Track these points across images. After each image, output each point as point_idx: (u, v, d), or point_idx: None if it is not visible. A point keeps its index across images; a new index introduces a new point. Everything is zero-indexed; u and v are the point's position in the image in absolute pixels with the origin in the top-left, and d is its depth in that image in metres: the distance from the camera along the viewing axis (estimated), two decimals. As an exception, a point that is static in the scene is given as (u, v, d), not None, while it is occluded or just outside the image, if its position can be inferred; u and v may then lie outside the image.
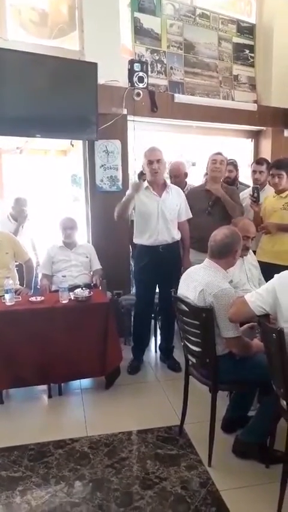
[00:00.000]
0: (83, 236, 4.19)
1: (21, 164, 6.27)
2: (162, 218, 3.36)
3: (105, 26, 3.96)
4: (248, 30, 5.15)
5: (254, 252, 3.36)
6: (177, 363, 3.52)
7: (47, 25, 4.01)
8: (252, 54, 5.20)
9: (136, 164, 4.27)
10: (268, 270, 2.79)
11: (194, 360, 2.47)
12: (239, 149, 5.37)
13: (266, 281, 2.19)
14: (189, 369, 2.57)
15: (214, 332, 2.23)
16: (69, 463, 2.39)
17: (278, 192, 3.48)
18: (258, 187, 3.63)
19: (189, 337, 2.40)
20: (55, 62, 3.59)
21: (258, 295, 2.05)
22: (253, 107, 4.97)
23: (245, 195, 3.87)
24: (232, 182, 4.22)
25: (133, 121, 4.19)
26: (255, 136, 5.30)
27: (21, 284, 3.68)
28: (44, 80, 3.52)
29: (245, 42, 5.15)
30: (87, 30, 3.95)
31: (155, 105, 4.27)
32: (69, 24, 4.06)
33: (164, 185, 3.44)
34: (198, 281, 2.30)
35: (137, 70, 4.10)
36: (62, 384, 3.18)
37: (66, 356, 3.02)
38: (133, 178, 4.17)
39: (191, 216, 3.58)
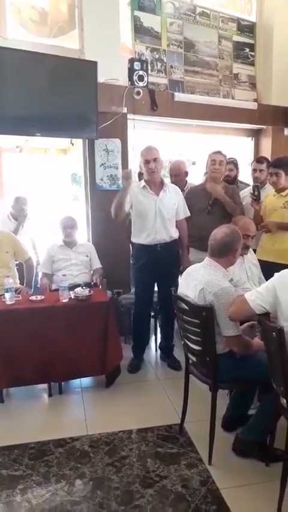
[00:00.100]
0: (83, 235, 4.19)
1: (21, 163, 6.27)
2: (159, 217, 3.36)
3: (105, 25, 3.96)
4: (248, 28, 5.14)
5: (254, 250, 3.36)
6: (178, 361, 3.52)
7: (46, 24, 4.00)
8: (253, 53, 5.19)
9: (136, 163, 4.26)
10: (268, 269, 2.79)
11: (194, 358, 2.47)
12: (239, 148, 5.36)
13: (266, 280, 2.19)
14: (190, 368, 2.57)
15: (214, 330, 2.23)
16: (69, 462, 2.39)
17: (278, 190, 3.47)
18: (258, 185, 3.63)
19: (190, 336, 2.40)
20: (55, 61, 3.59)
21: (258, 294, 2.05)
22: (253, 105, 4.96)
23: (245, 194, 3.87)
24: (232, 181, 4.22)
25: (133, 119, 4.19)
26: (256, 134, 5.30)
27: (22, 283, 3.68)
28: (44, 79, 3.52)
29: (245, 41, 5.14)
30: (87, 29, 3.95)
31: (155, 104, 4.27)
32: (69, 23, 4.06)
33: (162, 184, 3.43)
34: (198, 280, 2.30)
35: (137, 68, 4.10)
36: (63, 383, 3.19)
37: (66, 354, 3.03)
38: (133, 176, 4.17)
39: (188, 214, 3.58)
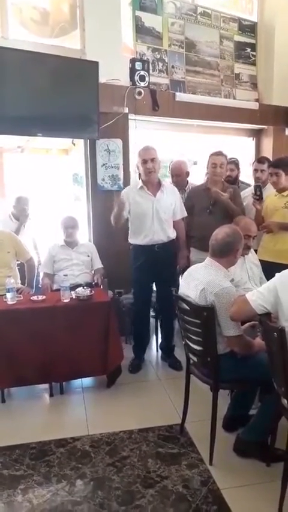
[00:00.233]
0: (84, 235, 4.19)
1: (22, 163, 6.27)
2: (157, 218, 3.36)
3: (106, 25, 3.97)
4: (249, 28, 5.14)
5: (256, 250, 3.36)
6: (178, 361, 3.52)
7: (48, 24, 4.01)
8: (254, 53, 5.19)
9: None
10: (269, 269, 2.79)
11: (195, 358, 2.47)
12: (241, 148, 5.36)
13: (268, 280, 2.18)
14: (191, 368, 2.57)
15: (215, 330, 2.23)
16: (70, 462, 2.39)
17: (279, 190, 3.47)
18: (260, 185, 3.63)
19: (191, 336, 2.40)
20: (56, 61, 3.60)
21: (259, 294, 2.05)
22: (254, 105, 4.96)
23: (246, 194, 3.87)
24: (233, 181, 4.22)
25: (134, 119, 4.19)
26: (257, 134, 5.29)
27: (23, 283, 3.68)
28: (45, 79, 3.52)
29: (247, 41, 5.14)
30: (89, 29, 3.95)
31: (157, 104, 4.27)
32: (71, 23, 4.06)
33: (159, 184, 3.43)
34: (199, 280, 2.30)
35: (139, 68, 4.10)
36: (64, 383, 3.19)
37: (67, 354, 3.03)
38: (134, 176, 4.17)
39: (185, 214, 3.59)
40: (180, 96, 4.48)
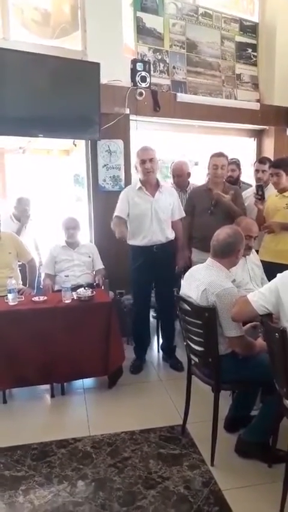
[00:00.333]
0: (85, 236, 4.19)
1: (24, 164, 6.28)
2: (156, 218, 3.35)
3: (107, 26, 3.97)
4: (250, 29, 5.14)
5: (257, 251, 3.36)
6: (180, 362, 3.52)
7: (49, 25, 4.02)
8: (255, 53, 5.19)
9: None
10: (271, 269, 2.79)
11: (196, 359, 2.47)
12: (242, 149, 5.36)
13: (269, 280, 2.18)
14: (192, 369, 2.57)
15: (217, 331, 2.23)
16: (72, 463, 2.39)
17: (280, 190, 3.47)
18: (262, 184, 3.63)
19: (192, 336, 2.39)
20: (57, 62, 3.60)
21: (260, 295, 2.05)
22: (256, 106, 4.96)
23: (247, 194, 3.87)
24: (235, 181, 4.22)
25: (136, 120, 4.20)
26: (258, 135, 5.29)
27: (24, 284, 3.68)
28: (47, 80, 3.53)
29: (248, 41, 5.14)
30: (90, 30, 3.96)
31: (158, 104, 4.28)
32: (72, 24, 4.07)
33: (157, 185, 3.42)
34: (200, 280, 2.30)
35: (140, 69, 4.11)
36: (65, 383, 3.19)
37: (69, 355, 3.03)
38: (136, 177, 4.17)
39: (184, 215, 3.59)
40: (182, 97, 4.48)
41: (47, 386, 3.15)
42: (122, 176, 4.16)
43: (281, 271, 2.04)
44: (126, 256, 3.60)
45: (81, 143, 4.25)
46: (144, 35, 4.43)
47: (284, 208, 3.40)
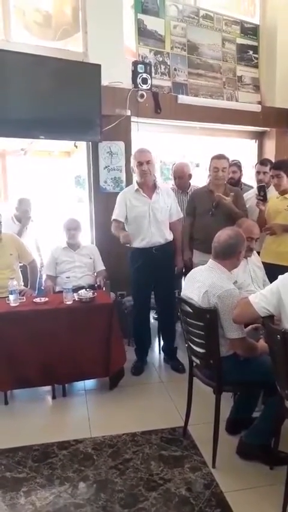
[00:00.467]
0: (86, 237, 4.19)
1: (25, 166, 6.30)
2: (154, 220, 3.36)
3: (108, 28, 3.98)
4: (251, 31, 5.15)
5: (258, 253, 3.36)
6: (181, 364, 3.52)
7: (50, 27, 4.03)
8: (256, 55, 5.20)
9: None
10: (272, 271, 2.79)
11: (198, 361, 2.47)
12: (243, 150, 5.37)
13: (271, 282, 2.18)
14: (193, 371, 2.57)
15: (218, 333, 2.23)
16: (73, 464, 2.39)
17: (281, 192, 3.47)
18: (264, 185, 3.62)
19: (193, 338, 2.39)
20: (59, 64, 3.61)
21: (262, 297, 2.05)
22: (257, 108, 4.97)
23: (249, 196, 3.87)
24: (236, 183, 4.23)
25: (137, 122, 4.20)
26: (259, 137, 5.30)
27: (26, 285, 3.69)
28: (48, 82, 3.53)
29: (249, 43, 5.15)
30: (91, 32, 3.97)
31: (159, 106, 4.28)
32: (73, 26, 4.08)
33: (154, 186, 3.43)
34: (202, 282, 2.30)
35: (141, 71, 4.11)
36: (66, 385, 3.18)
37: (70, 356, 3.03)
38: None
39: (181, 215, 3.60)
40: (183, 98, 4.48)
41: (48, 388, 3.15)
42: (123, 178, 4.17)
43: (282, 273, 2.04)
44: (127, 257, 3.60)
45: (82, 145, 4.26)
46: (145, 37, 4.43)
47: (286, 210, 3.40)
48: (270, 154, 5.06)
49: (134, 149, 4.17)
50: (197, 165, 5.72)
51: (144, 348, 3.67)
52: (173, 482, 2.23)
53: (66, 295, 3.11)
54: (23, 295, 3.27)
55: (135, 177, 3.42)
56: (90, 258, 3.80)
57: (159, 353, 3.88)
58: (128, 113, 4.07)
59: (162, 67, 4.53)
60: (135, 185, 3.42)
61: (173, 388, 3.24)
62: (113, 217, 3.43)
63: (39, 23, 4.00)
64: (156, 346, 3.97)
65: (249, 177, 4.58)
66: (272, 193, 3.67)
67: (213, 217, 3.50)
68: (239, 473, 2.29)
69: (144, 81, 4.12)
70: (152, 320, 4.06)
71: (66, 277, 3.40)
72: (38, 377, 3.03)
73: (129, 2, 4.29)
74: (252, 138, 5.33)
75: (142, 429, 2.71)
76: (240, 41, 5.09)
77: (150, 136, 4.57)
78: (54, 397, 3.13)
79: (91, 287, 3.51)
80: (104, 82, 3.77)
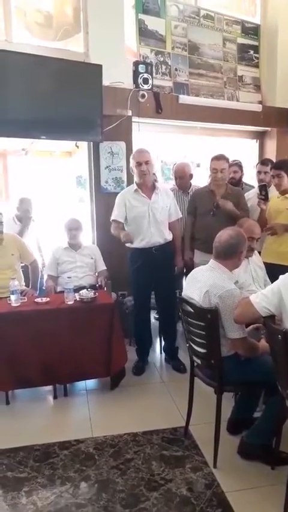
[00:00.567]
0: (87, 237, 4.20)
1: (26, 166, 6.30)
2: (153, 220, 3.36)
3: (109, 28, 3.98)
4: (252, 30, 5.15)
5: (259, 252, 3.35)
6: (182, 364, 3.52)
7: (52, 27, 4.03)
8: (257, 55, 5.19)
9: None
10: (273, 271, 2.79)
11: (199, 361, 2.47)
12: (244, 150, 5.36)
13: (271, 282, 2.18)
14: (195, 370, 2.57)
15: (219, 333, 2.23)
16: (74, 464, 2.39)
17: (282, 192, 3.47)
18: (266, 184, 3.61)
19: (194, 338, 2.39)
20: (60, 64, 3.61)
21: (263, 296, 2.05)
22: (258, 107, 4.96)
23: (250, 196, 3.87)
24: (237, 183, 4.22)
25: (138, 122, 4.20)
26: (260, 136, 5.29)
27: (27, 285, 3.69)
28: (49, 82, 3.53)
29: (250, 43, 5.14)
30: (92, 32, 3.96)
31: (160, 106, 4.28)
32: (74, 26, 4.08)
33: (153, 186, 3.44)
34: (203, 282, 2.30)
35: (142, 71, 4.11)
36: (68, 385, 3.19)
37: (71, 356, 3.03)
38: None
39: (180, 215, 3.60)
40: (184, 98, 4.48)
41: (50, 387, 3.16)
42: (124, 178, 4.17)
43: (283, 273, 2.04)
44: (127, 258, 3.60)
45: (83, 145, 4.26)
46: (146, 37, 4.43)
47: (287, 210, 3.40)
48: (271, 153, 5.06)
49: (135, 149, 4.18)
50: (198, 165, 5.72)
51: (145, 348, 3.67)
52: (174, 482, 2.23)
53: (68, 295, 3.12)
54: (24, 296, 3.27)
55: (136, 178, 3.42)
56: (92, 258, 3.80)
57: (161, 353, 3.88)
58: (129, 113, 4.07)
59: (163, 67, 4.53)
60: (134, 186, 3.43)
61: (174, 388, 3.24)
62: (112, 217, 3.44)
63: (40, 24, 4.00)
64: (158, 346, 3.97)
65: (250, 177, 4.58)
66: (272, 193, 3.66)
67: (215, 217, 3.50)
68: (241, 473, 2.29)
69: (145, 81, 4.12)
70: (153, 320, 4.06)
71: (68, 277, 3.41)
72: (40, 377, 3.03)
73: (130, 2, 4.29)
74: (253, 138, 5.32)
75: (143, 429, 2.71)
76: (241, 40, 5.08)
77: (151, 136, 4.57)
78: (55, 397, 3.13)
79: (92, 287, 3.51)
80: (105, 82, 3.77)
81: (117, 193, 3.61)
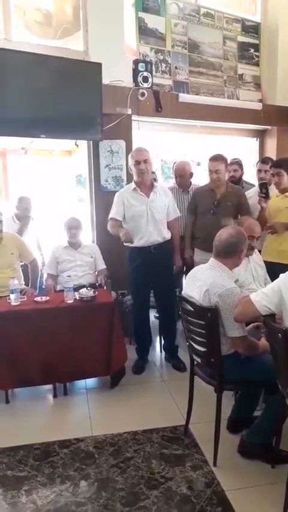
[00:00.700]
0: (87, 236, 4.19)
1: (26, 165, 6.29)
2: (152, 219, 3.36)
3: (109, 26, 3.97)
4: (252, 29, 5.14)
5: (259, 251, 3.35)
6: (182, 362, 3.52)
7: (51, 25, 4.02)
8: (257, 53, 5.19)
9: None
10: (273, 270, 2.78)
11: (199, 360, 2.47)
12: (244, 149, 5.36)
13: (272, 281, 2.18)
14: (195, 369, 2.56)
15: (219, 331, 2.23)
16: (74, 463, 2.39)
17: (282, 191, 3.46)
18: (266, 182, 3.60)
19: (194, 337, 2.39)
20: (59, 63, 3.60)
21: (263, 295, 2.04)
22: (258, 106, 4.96)
23: (250, 194, 3.86)
24: (237, 181, 4.22)
25: (137, 120, 4.20)
26: (260, 135, 5.29)
27: (27, 284, 3.69)
28: (49, 81, 3.53)
29: (250, 41, 5.14)
30: (92, 31, 3.96)
31: (160, 105, 4.27)
32: (74, 25, 4.07)
33: (152, 185, 3.43)
34: (203, 281, 2.30)
35: (142, 69, 4.11)
36: (67, 384, 3.18)
37: (71, 355, 3.03)
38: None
39: (179, 214, 3.60)
40: (184, 97, 4.47)
41: (50, 386, 3.16)
42: (124, 177, 4.16)
43: (283, 272, 2.03)
44: (126, 256, 3.60)
45: (83, 144, 4.26)
46: (146, 36, 4.42)
47: (286, 208, 3.39)
48: (271, 152, 5.05)
49: (134, 148, 4.18)
50: (198, 164, 5.71)
51: (145, 347, 3.67)
52: (174, 481, 2.23)
53: (67, 294, 3.11)
54: (24, 294, 3.27)
55: (134, 177, 3.41)
56: (91, 257, 3.80)
57: (161, 351, 3.88)
58: (129, 111, 4.06)
59: (163, 65, 4.53)
60: (132, 185, 3.42)
61: (174, 387, 3.24)
62: (110, 215, 3.43)
63: (40, 22, 3.99)
64: (158, 345, 3.97)
65: (250, 175, 4.57)
66: (272, 191, 3.66)
67: (215, 215, 3.50)
68: (241, 472, 2.29)
69: (145, 79, 4.12)
70: (153, 319, 4.06)
71: (67, 276, 3.40)
72: (39, 376, 3.03)
73: (130, 0, 4.28)
74: (253, 136, 5.32)
75: (143, 427, 2.71)
76: (241, 39, 5.07)
77: (151, 134, 4.56)
78: (55, 396, 3.13)
79: (92, 286, 3.50)
80: (105, 80, 3.77)
81: (117, 191, 3.61)
